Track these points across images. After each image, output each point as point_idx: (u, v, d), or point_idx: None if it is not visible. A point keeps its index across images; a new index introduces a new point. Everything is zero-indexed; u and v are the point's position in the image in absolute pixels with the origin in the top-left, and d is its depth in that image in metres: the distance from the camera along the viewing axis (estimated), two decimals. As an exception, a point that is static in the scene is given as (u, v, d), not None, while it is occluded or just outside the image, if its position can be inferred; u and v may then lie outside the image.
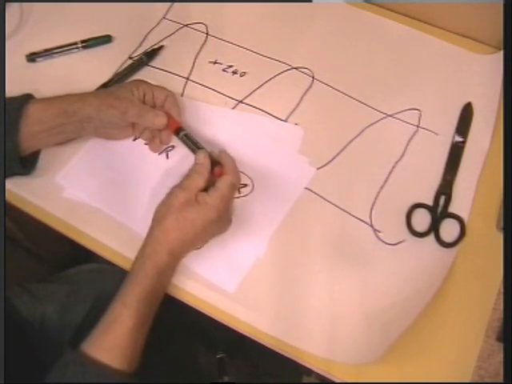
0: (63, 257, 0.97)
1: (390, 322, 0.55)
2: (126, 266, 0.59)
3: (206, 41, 0.76)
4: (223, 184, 0.55)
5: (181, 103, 0.69)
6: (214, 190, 0.55)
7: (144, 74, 0.72)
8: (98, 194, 0.63)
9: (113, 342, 0.50)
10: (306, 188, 0.64)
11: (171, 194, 0.55)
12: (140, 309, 0.51)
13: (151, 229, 0.55)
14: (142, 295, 0.52)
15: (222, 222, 0.56)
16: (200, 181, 0.55)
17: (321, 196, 0.63)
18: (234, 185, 0.56)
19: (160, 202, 0.55)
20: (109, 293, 0.72)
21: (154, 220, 0.55)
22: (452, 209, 0.62)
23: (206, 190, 0.55)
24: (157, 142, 0.65)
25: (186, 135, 0.62)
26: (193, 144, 0.61)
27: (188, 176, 0.56)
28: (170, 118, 0.62)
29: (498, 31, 0.69)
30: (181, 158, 0.65)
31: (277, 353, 0.55)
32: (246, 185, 0.63)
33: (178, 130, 0.63)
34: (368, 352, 0.54)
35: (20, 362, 0.46)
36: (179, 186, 0.55)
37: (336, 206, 0.62)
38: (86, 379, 0.47)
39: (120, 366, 0.50)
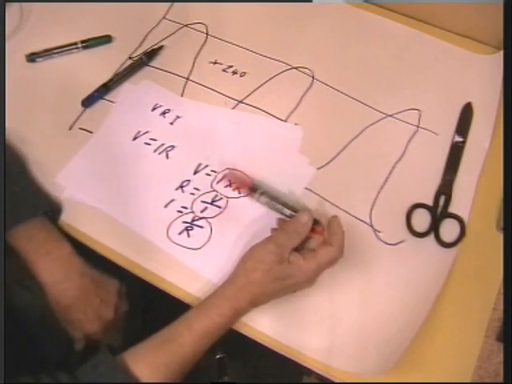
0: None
1: (394, 333, 0.55)
2: (126, 265, 0.59)
3: (205, 41, 0.76)
4: (325, 255, 0.52)
5: (181, 103, 0.69)
6: (312, 257, 0.52)
7: (144, 74, 0.72)
8: (97, 194, 0.63)
9: (161, 359, 0.49)
10: (306, 188, 0.64)
11: (265, 248, 0.53)
12: (203, 340, 0.51)
13: (236, 274, 0.53)
14: (210, 329, 0.51)
15: (308, 284, 0.54)
16: (297, 241, 0.53)
17: (321, 196, 0.63)
18: (336, 260, 0.53)
19: (251, 250, 0.54)
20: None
21: (241, 267, 0.54)
22: (452, 209, 0.62)
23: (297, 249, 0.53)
24: None
25: (263, 193, 0.56)
26: (278, 203, 0.57)
27: (286, 232, 0.54)
28: (239, 177, 0.55)
29: (498, 31, 0.69)
30: (181, 157, 0.65)
31: (277, 353, 0.55)
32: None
33: (252, 189, 0.59)
34: (372, 363, 0.54)
35: (20, 359, 0.46)
36: (274, 242, 0.53)
37: (336, 206, 0.62)
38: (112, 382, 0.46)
39: None
